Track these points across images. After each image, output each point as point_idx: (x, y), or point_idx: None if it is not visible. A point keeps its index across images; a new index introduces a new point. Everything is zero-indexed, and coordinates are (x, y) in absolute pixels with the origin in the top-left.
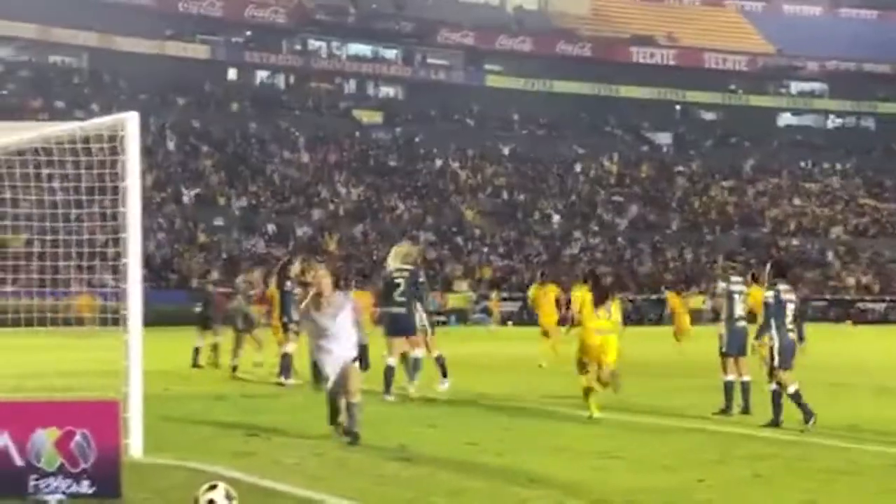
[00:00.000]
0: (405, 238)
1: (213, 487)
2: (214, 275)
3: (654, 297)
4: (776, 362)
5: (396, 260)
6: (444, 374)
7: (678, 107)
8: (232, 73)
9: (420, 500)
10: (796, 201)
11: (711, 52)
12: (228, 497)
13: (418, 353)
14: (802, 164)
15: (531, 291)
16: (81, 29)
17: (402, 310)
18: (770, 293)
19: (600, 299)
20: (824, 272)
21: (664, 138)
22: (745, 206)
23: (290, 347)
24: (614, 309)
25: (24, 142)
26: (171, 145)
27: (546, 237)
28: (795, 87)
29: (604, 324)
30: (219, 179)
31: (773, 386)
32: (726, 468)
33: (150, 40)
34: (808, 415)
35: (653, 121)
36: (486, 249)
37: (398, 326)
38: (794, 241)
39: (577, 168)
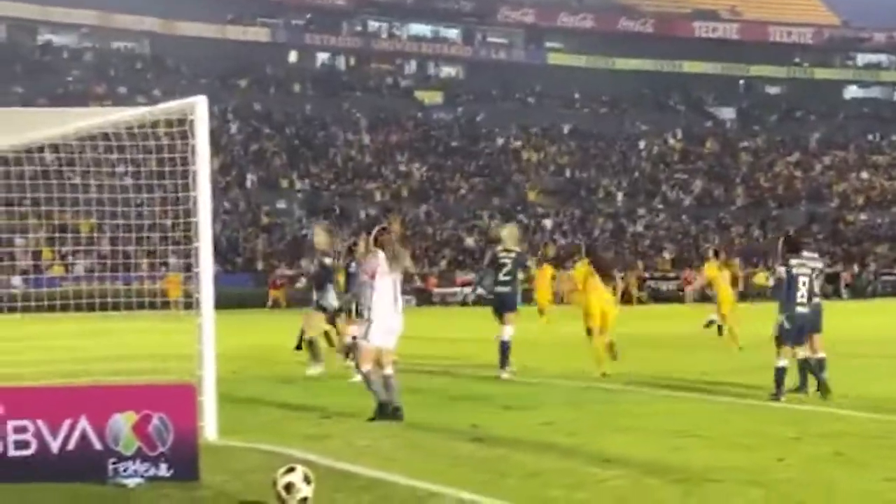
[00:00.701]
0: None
1: (291, 470)
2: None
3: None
4: (780, 335)
5: (509, 241)
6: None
7: (742, 81)
8: (293, 56)
9: (495, 482)
10: (864, 175)
11: (775, 25)
12: (306, 479)
13: (507, 334)
14: (870, 137)
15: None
16: (143, 14)
17: (507, 289)
18: (782, 268)
19: (601, 272)
20: (894, 247)
21: (728, 113)
22: (812, 180)
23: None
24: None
25: (94, 127)
26: (233, 129)
27: (610, 215)
28: (862, 59)
29: (604, 294)
30: (281, 162)
31: (800, 355)
32: (805, 446)
33: (211, 24)
34: (778, 392)
35: (716, 96)
36: (549, 228)
37: (502, 305)
38: (862, 216)
39: (641, 145)
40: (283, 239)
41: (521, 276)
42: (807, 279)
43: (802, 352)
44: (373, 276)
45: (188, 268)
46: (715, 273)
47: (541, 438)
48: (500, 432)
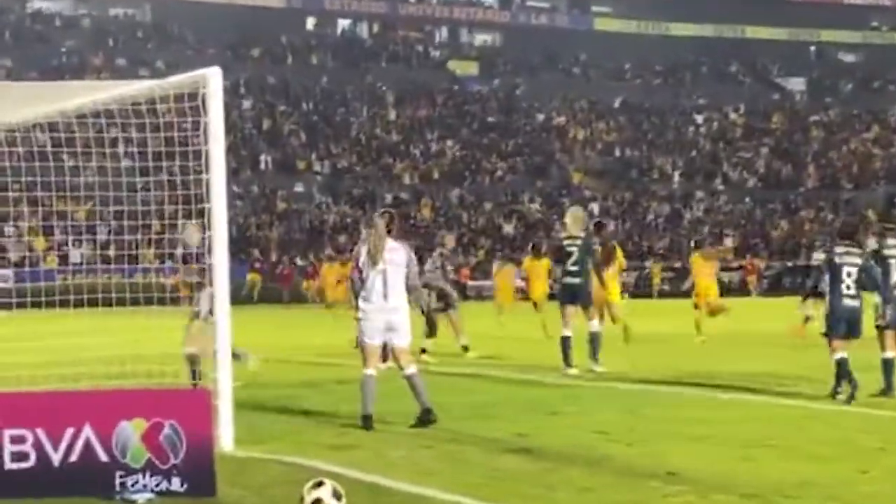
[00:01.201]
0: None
1: (320, 485)
2: (449, 243)
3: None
4: (825, 328)
5: (574, 227)
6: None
7: (812, 48)
8: (310, 23)
9: (544, 497)
10: None
11: None
12: (336, 495)
13: (595, 325)
14: None
15: (524, 264)
16: None
17: (577, 279)
18: (823, 256)
19: (606, 260)
20: None
21: (797, 84)
22: (891, 158)
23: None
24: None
25: (97, 103)
26: (244, 104)
27: (664, 198)
28: None
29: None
30: (298, 141)
31: (839, 354)
32: (891, 457)
33: None
34: (853, 387)
35: (784, 64)
36: (596, 213)
37: (573, 296)
38: None
39: (699, 120)
40: (302, 227)
41: (589, 263)
42: (853, 269)
43: (842, 351)
44: (359, 271)
45: (196, 259)
46: (699, 264)
47: (594, 448)
48: (549, 442)
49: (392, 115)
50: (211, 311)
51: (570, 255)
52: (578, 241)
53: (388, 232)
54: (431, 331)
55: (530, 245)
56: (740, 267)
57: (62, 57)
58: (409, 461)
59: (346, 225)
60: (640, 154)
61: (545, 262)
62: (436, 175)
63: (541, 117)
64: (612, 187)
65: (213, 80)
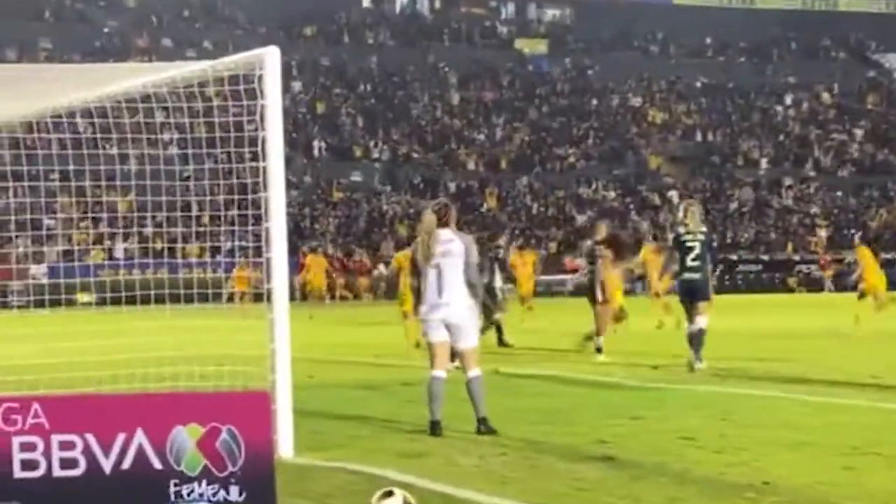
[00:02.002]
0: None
1: (389, 494)
2: (502, 240)
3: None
4: None
5: (691, 221)
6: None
7: None
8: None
9: None
10: None
11: None
12: None
13: (702, 323)
14: None
15: (511, 259)
16: None
17: (698, 275)
18: None
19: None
20: None
21: (895, 60)
22: None
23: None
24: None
25: (149, 86)
26: (297, 87)
27: (750, 186)
28: None
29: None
30: (355, 126)
31: None
32: None
33: None
34: None
35: (880, 39)
36: (676, 202)
37: (694, 293)
38: None
39: (788, 101)
40: (359, 218)
41: (709, 259)
42: None
43: None
44: (414, 266)
45: (246, 253)
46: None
47: (681, 456)
48: (632, 448)
49: (455, 98)
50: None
51: (689, 250)
52: (699, 236)
53: (445, 225)
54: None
55: (516, 239)
56: (837, 261)
57: (105, 38)
58: (483, 469)
59: (408, 215)
60: (724, 138)
61: (530, 256)
62: (502, 162)
63: (615, 99)
64: (692, 174)
65: (269, 60)
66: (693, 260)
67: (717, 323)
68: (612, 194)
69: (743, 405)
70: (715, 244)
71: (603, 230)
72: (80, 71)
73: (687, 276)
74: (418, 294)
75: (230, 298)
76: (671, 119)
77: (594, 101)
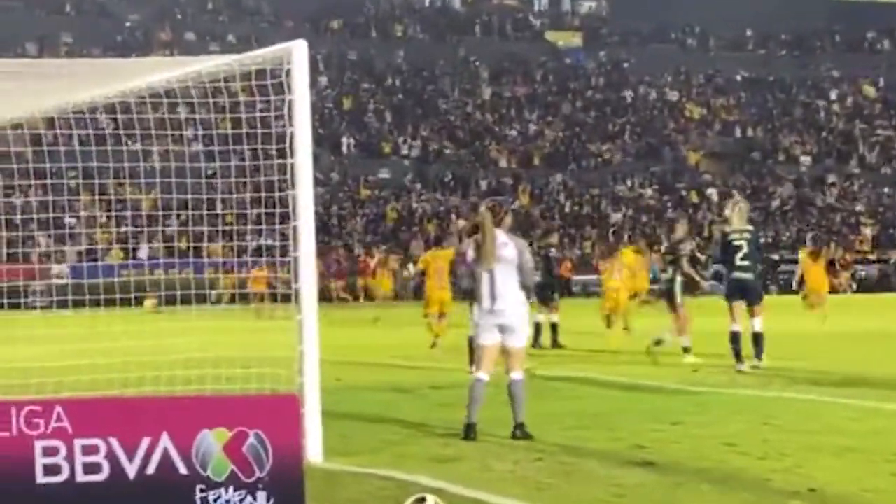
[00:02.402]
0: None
1: (422, 501)
2: (554, 238)
3: None
4: None
5: (737, 219)
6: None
7: None
8: None
9: None
10: None
11: None
12: None
13: (759, 324)
14: None
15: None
16: None
17: (749, 275)
18: None
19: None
20: None
21: None
22: None
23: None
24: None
25: (173, 81)
26: (323, 81)
27: (791, 183)
28: None
29: (614, 283)
30: (383, 122)
31: None
32: None
33: None
34: None
35: None
36: (715, 200)
37: (746, 293)
38: None
39: (832, 95)
40: (387, 216)
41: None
42: None
43: None
44: (466, 266)
45: (272, 252)
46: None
47: (724, 462)
48: (673, 454)
49: (486, 93)
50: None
51: (738, 249)
52: (747, 234)
53: (498, 225)
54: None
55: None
56: (882, 261)
57: (126, 31)
58: (518, 475)
59: (437, 213)
60: (764, 134)
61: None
62: (535, 159)
63: (652, 93)
64: (732, 171)
65: (297, 54)
66: (742, 259)
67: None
68: (649, 192)
69: (786, 409)
70: (762, 242)
71: (682, 229)
72: (105, 66)
73: (738, 275)
74: (469, 295)
75: (243, 298)
76: (710, 114)
77: (630, 96)
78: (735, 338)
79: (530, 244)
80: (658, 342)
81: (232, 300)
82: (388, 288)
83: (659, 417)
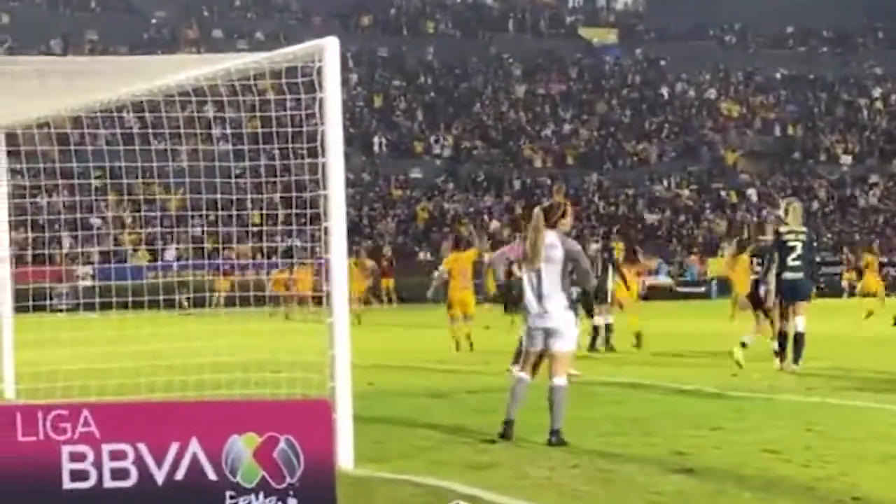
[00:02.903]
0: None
1: None
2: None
3: None
4: None
5: (794, 220)
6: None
7: None
8: None
9: None
10: None
11: None
12: None
13: (801, 324)
14: None
15: (447, 260)
16: None
17: (800, 275)
18: None
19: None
20: None
21: None
22: None
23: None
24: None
25: (201, 79)
26: (353, 79)
27: (832, 183)
28: None
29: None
30: (414, 121)
31: None
32: None
33: None
34: None
35: None
36: (754, 200)
37: (795, 292)
38: None
39: (874, 93)
40: (419, 216)
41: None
42: None
43: None
44: (505, 257)
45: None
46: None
47: (765, 469)
48: (713, 461)
49: (520, 91)
50: None
51: (791, 249)
52: (802, 236)
53: (552, 226)
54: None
55: (452, 238)
56: None
57: (153, 29)
58: (554, 482)
59: (469, 214)
60: (805, 133)
61: (469, 255)
62: (570, 158)
63: (690, 91)
64: (771, 171)
65: (329, 51)
66: (794, 259)
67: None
68: (686, 192)
69: (829, 415)
70: (816, 244)
71: (771, 229)
72: (132, 63)
73: (789, 275)
74: (509, 293)
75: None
76: (749, 112)
77: (667, 94)
78: (782, 338)
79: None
80: (743, 345)
81: (263, 302)
82: (360, 291)
83: (698, 423)
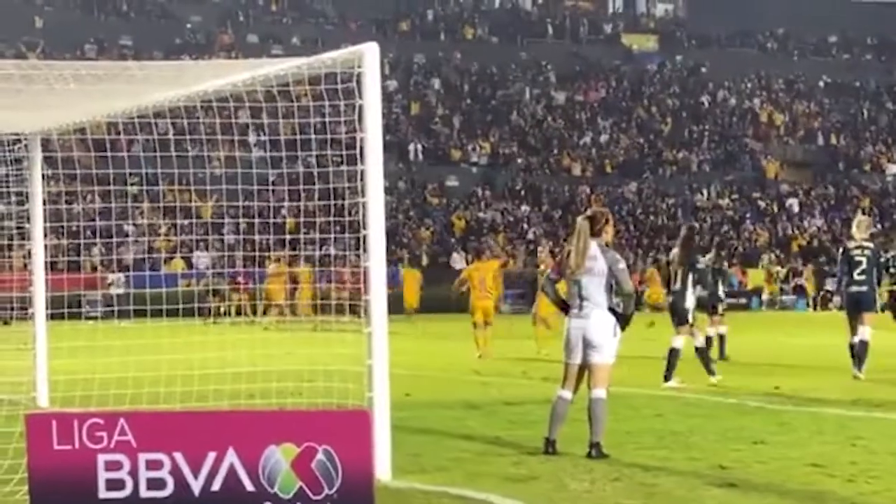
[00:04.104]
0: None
1: None
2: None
3: None
4: None
5: (862, 234)
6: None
7: None
8: None
9: None
10: None
11: None
12: None
13: (865, 333)
14: None
15: (467, 270)
16: None
17: (864, 288)
18: None
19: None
20: None
21: None
22: None
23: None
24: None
25: (239, 85)
26: (391, 86)
27: (877, 194)
28: None
29: None
30: (452, 128)
31: None
32: None
33: None
34: None
35: None
36: (796, 211)
37: (860, 303)
38: None
39: None
40: (455, 225)
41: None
42: None
43: None
44: (557, 274)
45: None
46: None
47: (809, 484)
48: (756, 475)
49: (558, 98)
50: None
51: (858, 263)
52: (867, 251)
53: (597, 235)
54: None
55: (474, 249)
56: None
57: (187, 33)
58: (595, 495)
59: (507, 223)
60: (849, 142)
61: (490, 265)
62: (608, 167)
63: (731, 100)
64: (814, 181)
65: (369, 57)
66: (860, 273)
67: (839, 340)
68: (727, 201)
69: (874, 429)
70: (883, 258)
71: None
72: (170, 68)
73: (854, 288)
74: (557, 303)
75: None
76: (791, 121)
77: (708, 102)
78: (853, 348)
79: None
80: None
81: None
82: (279, 297)
83: (740, 437)
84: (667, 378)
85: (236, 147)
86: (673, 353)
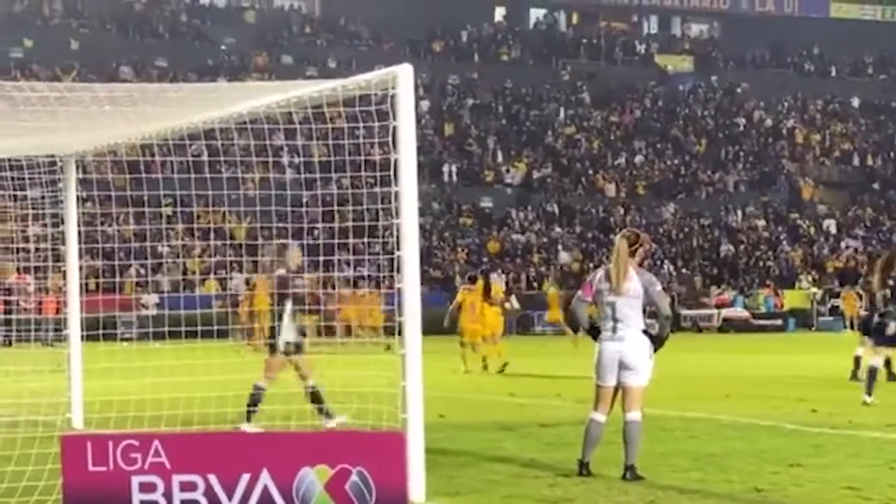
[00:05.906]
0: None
1: None
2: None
3: None
4: None
5: None
6: None
7: None
8: (500, 13)
9: None
10: None
11: None
12: None
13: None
14: None
15: (461, 295)
16: None
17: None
18: None
19: None
20: None
21: None
22: None
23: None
24: None
25: (275, 106)
26: (424, 106)
27: None
28: None
29: None
30: (485, 149)
31: None
32: None
33: None
34: None
35: None
36: (833, 232)
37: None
38: None
39: None
40: (489, 246)
41: None
42: None
43: None
44: (590, 296)
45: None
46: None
47: None
48: (792, 498)
49: (593, 119)
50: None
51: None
52: None
53: (631, 255)
54: None
55: (467, 277)
56: None
57: (222, 55)
58: None
59: (542, 245)
60: (885, 163)
61: (478, 293)
62: (643, 188)
63: (767, 120)
64: (851, 202)
65: (403, 78)
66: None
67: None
68: (762, 223)
69: None
70: None
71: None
72: (206, 90)
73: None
74: (584, 324)
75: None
76: (827, 142)
77: (743, 123)
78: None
79: None
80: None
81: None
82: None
83: (776, 459)
84: (868, 394)
85: (270, 168)
86: (872, 372)
